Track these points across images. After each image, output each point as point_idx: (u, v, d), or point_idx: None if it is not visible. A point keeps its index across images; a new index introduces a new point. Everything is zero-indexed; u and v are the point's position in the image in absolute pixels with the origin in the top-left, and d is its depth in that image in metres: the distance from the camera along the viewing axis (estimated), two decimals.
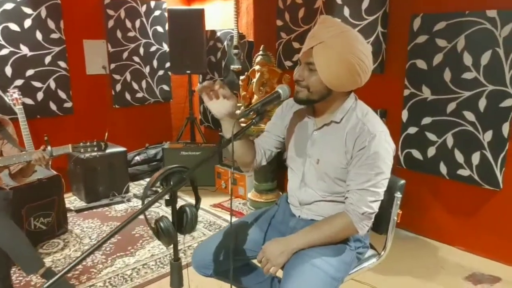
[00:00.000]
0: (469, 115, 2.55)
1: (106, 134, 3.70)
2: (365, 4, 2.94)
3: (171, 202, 1.14)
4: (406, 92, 2.84)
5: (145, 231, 3.05)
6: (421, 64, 2.74)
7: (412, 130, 2.84)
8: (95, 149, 2.29)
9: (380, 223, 1.52)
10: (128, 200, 3.64)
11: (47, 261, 2.63)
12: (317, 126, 1.46)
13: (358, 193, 1.34)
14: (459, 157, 2.63)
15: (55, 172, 2.98)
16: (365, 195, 1.33)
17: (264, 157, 1.62)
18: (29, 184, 2.72)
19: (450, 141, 2.66)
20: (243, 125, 1.35)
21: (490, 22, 2.40)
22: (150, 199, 1.08)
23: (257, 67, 3.26)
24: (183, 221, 1.18)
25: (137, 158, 4.24)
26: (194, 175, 1.19)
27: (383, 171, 1.32)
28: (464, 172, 2.62)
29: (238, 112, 1.36)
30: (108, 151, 3.67)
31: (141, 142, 4.37)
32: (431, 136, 2.75)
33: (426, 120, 2.76)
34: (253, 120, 1.28)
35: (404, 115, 2.87)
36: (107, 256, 2.69)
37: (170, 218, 1.16)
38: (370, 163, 1.31)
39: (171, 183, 1.10)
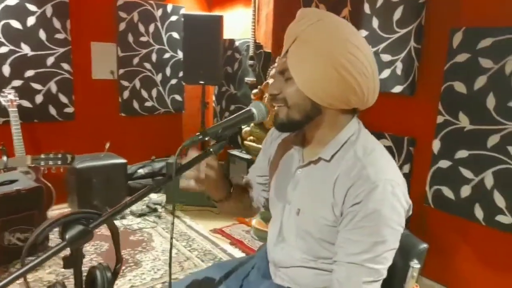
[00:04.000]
0: None
1: (108, 144, 3.47)
2: (397, 15, 2.55)
3: (72, 263, 0.79)
4: (440, 119, 2.40)
5: (130, 255, 2.73)
6: (459, 87, 2.30)
7: (444, 163, 2.40)
8: (59, 162, 1.99)
9: None
10: (122, 218, 3.35)
11: (15, 283, 2.34)
12: (303, 161, 1.08)
13: (348, 268, 0.93)
14: (500, 200, 2.16)
15: (37, 184, 2.70)
16: (357, 272, 0.92)
17: (261, 206, 1.31)
18: (5, 195, 2.46)
19: (489, 181, 2.20)
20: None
21: None
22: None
23: (270, 81, 2.91)
24: None
25: (141, 171, 3.96)
26: (114, 225, 0.84)
27: (386, 239, 0.91)
28: (505, 219, 2.14)
29: None
30: (106, 162, 3.46)
31: (147, 154, 4.10)
32: (467, 173, 2.29)
33: (462, 154, 2.31)
34: (210, 149, 0.92)
35: (436, 145, 2.43)
36: None
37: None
38: (367, 227, 0.91)
39: (66, 237, 0.75)
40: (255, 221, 3.15)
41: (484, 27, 2.19)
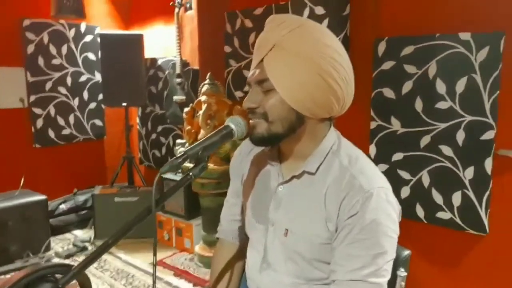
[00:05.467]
0: (446, 150, 2.24)
1: (22, 179, 3.07)
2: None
3: None
4: (373, 125, 2.50)
5: None
6: (388, 93, 2.43)
7: (382, 167, 2.49)
8: None
9: None
10: (48, 261, 2.96)
11: None
12: (283, 177, 1.00)
13: (349, 286, 0.88)
14: (438, 197, 2.29)
15: None
16: None
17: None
18: None
19: (426, 180, 2.33)
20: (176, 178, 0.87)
21: (464, 46, 2.14)
22: None
23: (203, 98, 2.81)
24: None
25: (63, 206, 3.57)
26: (85, 277, 0.68)
27: (385, 250, 0.87)
28: (444, 215, 2.28)
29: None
30: (22, 200, 3.05)
31: (68, 187, 3.71)
32: (404, 174, 2.41)
33: (397, 156, 2.42)
34: (190, 174, 0.81)
35: (372, 150, 2.52)
36: None
37: None
38: (365, 239, 0.86)
39: None
40: (198, 247, 2.99)
41: (406, 36, 2.33)
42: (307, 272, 0.95)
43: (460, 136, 2.19)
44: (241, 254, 1.15)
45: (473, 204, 2.17)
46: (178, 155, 0.79)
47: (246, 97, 0.94)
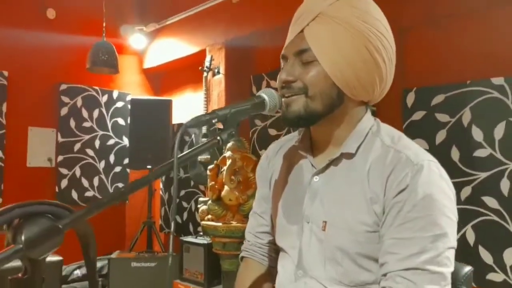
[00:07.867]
0: (491, 201, 2.05)
1: None
2: None
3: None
4: None
5: None
6: (421, 143, 2.32)
7: None
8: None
9: None
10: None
11: None
12: (317, 166, 0.90)
13: (405, 277, 0.72)
14: (486, 256, 2.05)
15: None
16: (418, 280, 0.71)
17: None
18: None
19: (471, 236, 2.11)
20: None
21: (498, 91, 2.08)
22: None
23: (228, 153, 2.77)
24: None
25: (77, 272, 3.39)
26: (87, 227, 0.57)
27: (445, 231, 0.74)
28: (497, 276, 2.01)
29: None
30: None
31: None
32: None
33: None
34: (218, 138, 0.72)
35: None
36: None
37: None
38: (419, 217, 0.74)
39: (22, 238, 0.48)
40: None
41: (435, 86, 2.30)
42: (351, 273, 0.79)
43: (505, 185, 2.02)
44: (269, 275, 1.00)
45: None
46: (205, 113, 0.71)
47: (281, 70, 0.88)
